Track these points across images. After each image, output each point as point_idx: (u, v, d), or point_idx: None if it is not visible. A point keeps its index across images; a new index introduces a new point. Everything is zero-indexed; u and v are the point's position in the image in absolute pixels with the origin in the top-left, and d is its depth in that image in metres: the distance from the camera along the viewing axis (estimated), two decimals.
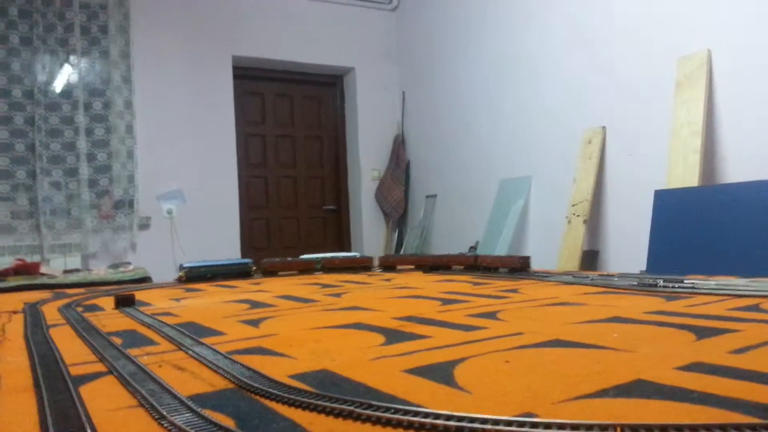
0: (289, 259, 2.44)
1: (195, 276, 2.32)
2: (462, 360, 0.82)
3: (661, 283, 1.45)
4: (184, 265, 2.35)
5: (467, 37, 4.65)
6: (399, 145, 5.38)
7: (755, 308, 1.13)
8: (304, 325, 1.18)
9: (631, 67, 3.32)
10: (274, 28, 5.02)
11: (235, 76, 4.89)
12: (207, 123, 4.70)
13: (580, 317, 1.12)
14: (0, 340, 1.09)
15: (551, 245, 3.66)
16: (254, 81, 5.16)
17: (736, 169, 2.83)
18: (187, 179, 4.58)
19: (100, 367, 0.86)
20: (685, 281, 1.46)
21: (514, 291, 1.55)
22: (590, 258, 3.45)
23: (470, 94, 4.62)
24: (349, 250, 5.47)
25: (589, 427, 0.50)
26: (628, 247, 3.26)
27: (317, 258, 2.44)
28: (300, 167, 5.39)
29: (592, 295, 1.40)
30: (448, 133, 4.89)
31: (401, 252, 5.21)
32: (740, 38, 2.80)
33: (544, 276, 1.82)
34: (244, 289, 1.93)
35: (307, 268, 2.37)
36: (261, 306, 1.49)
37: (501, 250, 3.99)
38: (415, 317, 1.19)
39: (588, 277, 1.71)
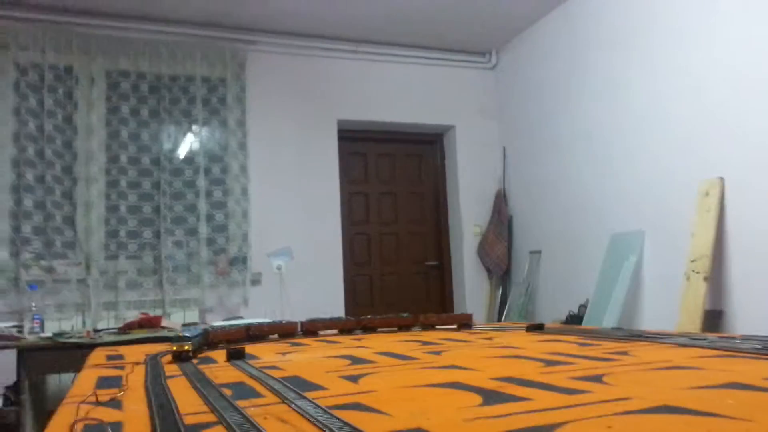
0: (328, 318, 2.46)
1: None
2: (562, 424, 0.79)
3: None
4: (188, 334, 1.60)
5: (567, 91, 4.61)
6: (501, 200, 5.34)
7: None
8: (402, 383, 1.18)
9: (747, 112, 3.13)
10: (377, 91, 5.24)
11: (340, 138, 5.13)
12: (313, 183, 4.93)
13: (693, 382, 1.05)
14: (124, 389, 1.19)
15: (669, 305, 3.43)
16: (357, 142, 5.38)
17: None
18: (295, 237, 4.79)
19: (211, 417, 0.91)
20: None
21: (624, 353, 1.47)
22: (713, 318, 3.19)
23: (572, 147, 4.54)
24: (451, 307, 5.42)
25: None
26: (757, 306, 2.99)
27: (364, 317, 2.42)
28: (401, 223, 5.48)
29: (708, 359, 1.30)
30: (550, 187, 4.80)
31: (506, 310, 5.08)
32: None
33: (657, 337, 1.72)
34: (345, 344, 1.97)
35: (345, 328, 2.39)
36: (361, 362, 1.51)
37: (614, 308, 3.79)
38: (515, 378, 1.16)
39: (706, 339, 1.59)
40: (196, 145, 4.71)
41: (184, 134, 4.73)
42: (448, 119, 5.46)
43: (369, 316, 2.44)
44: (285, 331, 2.29)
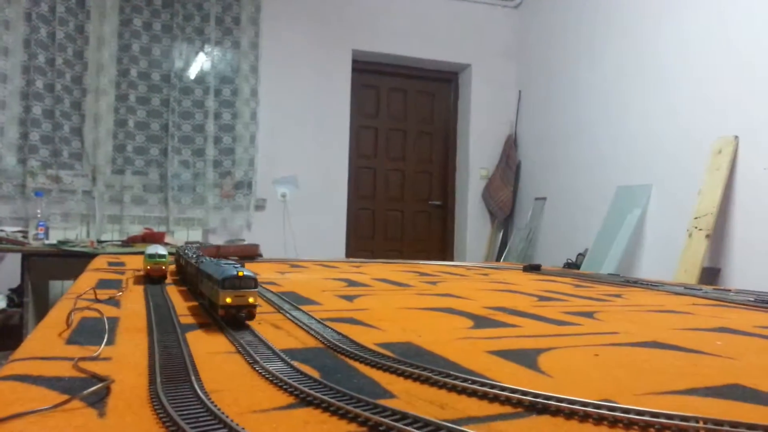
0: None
1: None
2: (549, 349, 0.81)
3: None
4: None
5: (591, 36, 4.48)
6: (510, 144, 5.29)
7: None
8: (397, 305, 1.20)
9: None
10: (395, 23, 5.10)
11: (354, 69, 5.03)
12: (324, 113, 4.87)
13: (683, 325, 1.06)
14: (123, 290, 1.21)
15: (668, 260, 3.45)
16: (371, 74, 5.28)
17: None
18: (301, 166, 4.78)
19: (206, 319, 0.93)
20: None
21: (618, 296, 1.49)
22: (710, 275, 3.21)
23: (589, 96, 4.45)
24: (452, 248, 5.47)
25: (670, 416, 0.48)
26: (755, 265, 3.00)
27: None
28: (409, 161, 5.45)
29: (701, 306, 1.31)
30: (562, 134, 4.74)
31: (505, 253, 5.12)
32: None
33: (653, 285, 1.73)
34: (344, 269, 2.00)
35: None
36: (358, 285, 1.54)
37: (612, 260, 3.81)
38: (507, 308, 1.18)
39: (701, 290, 1.61)
40: (207, 65, 4.64)
41: (196, 53, 4.65)
42: (466, 58, 5.33)
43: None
44: (248, 253, 2.32)
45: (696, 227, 3.28)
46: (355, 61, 5.04)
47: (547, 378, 0.65)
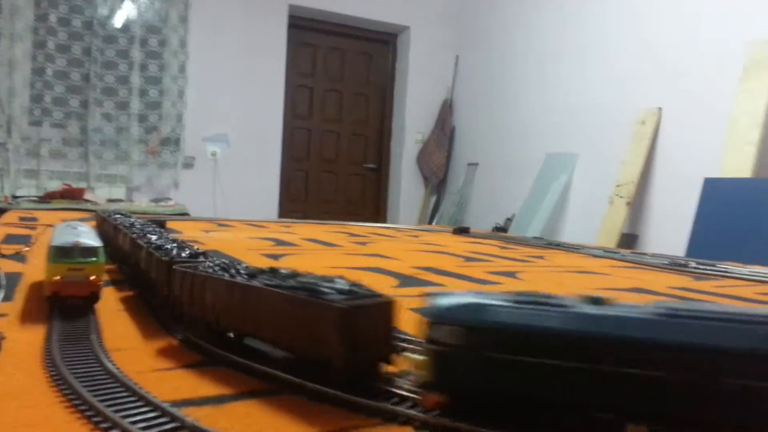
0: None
1: None
2: None
3: (693, 264, 1.40)
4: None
5: (530, 4, 4.51)
6: (446, 110, 5.31)
7: None
8: (323, 264, 1.19)
9: (695, 48, 3.17)
10: None
11: (290, 25, 4.88)
12: (258, 70, 4.71)
13: (599, 284, 1.10)
14: (30, 245, 1.14)
15: (590, 225, 3.59)
16: (308, 32, 5.13)
17: None
18: (233, 123, 4.63)
19: (119, 276, 0.89)
20: (718, 265, 1.41)
21: (540, 257, 1.53)
22: (629, 241, 3.36)
23: (524, 64, 4.50)
24: (385, 211, 5.48)
25: None
26: (670, 233, 3.16)
27: None
28: (345, 123, 5.38)
29: (618, 268, 1.37)
30: (497, 101, 4.79)
31: (436, 217, 5.19)
32: None
33: (574, 248, 1.79)
34: (273, 229, 1.96)
35: None
36: (286, 245, 1.51)
37: (537, 225, 3.93)
38: (434, 268, 1.19)
39: (619, 253, 1.67)
40: (133, 13, 4.37)
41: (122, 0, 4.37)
42: (405, 19, 5.26)
43: None
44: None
45: (617, 195, 3.41)
46: (291, 17, 4.87)
47: None
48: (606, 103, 3.72)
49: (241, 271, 0.54)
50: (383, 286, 0.96)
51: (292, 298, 0.45)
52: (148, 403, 0.38)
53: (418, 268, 1.18)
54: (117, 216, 1.18)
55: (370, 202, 5.52)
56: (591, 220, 3.59)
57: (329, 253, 1.38)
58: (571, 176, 3.94)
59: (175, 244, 0.73)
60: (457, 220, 4.85)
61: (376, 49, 5.48)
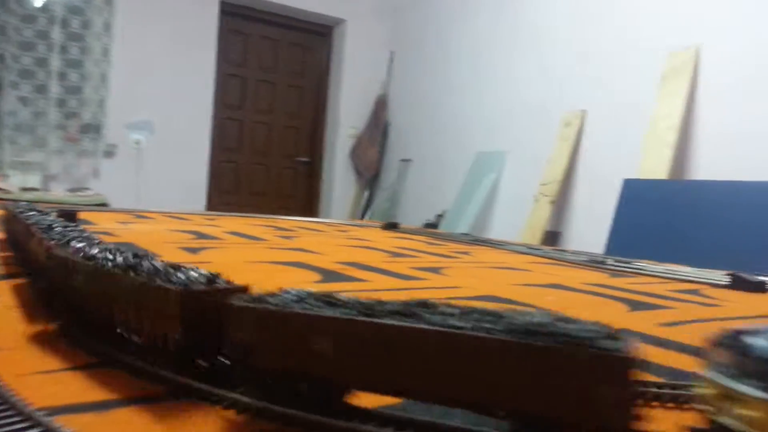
0: None
1: None
2: None
3: (611, 262, 1.45)
4: None
5: (464, 2, 4.56)
6: (381, 105, 5.31)
7: (694, 292, 1.13)
8: (244, 258, 1.15)
9: (621, 54, 3.29)
10: None
11: (222, 11, 4.74)
12: (186, 56, 4.55)
13: (520, 280, 1.11)
14: None
15: (516, 222, 3.67)
16: (240, 19, 5.00)
17: (707, 168, 2.86)
18: (159, 111, 4.45)
19: (13, 269, 0.82)
20: (633, 263, 1.46)
21: (465, 253, 1.54)
22: (552, 238, 3.47)
23: (458, 62, 4.56)
24: (317, 205, 5.43)
25: None
26: (591, 231, 3.28)
27: None
28: (277, 115, 5.28)
29: (539, 265, 1.40)
30: (430, 99, 4.83)
31: (369, 213, 5.19)
32: (731, 38, 2.79)
33: (498, 244, 1.82)
34: (196, 222, 1.89)
35: None
36: (207, 238, 1.45)
37: (466, 222, 3.99)
38: (359, 263, 1.17)
39: (541, 250, 1.71)
40: None
41: None
42: (341, 12, 5.21)
43: None
44: None
45: (542, 193, 3.51)
46: (224, 3, 4.73)
47: None
48: (535, 104, 3.82)
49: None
50: (304, 280, 0.93)
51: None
52: (18, 412, 0.34)
53: (343, 263, 1.16)
54: (18, 207, 1.10)
55: (302, 196, 5.46)
56: (517, 217, 3.68)
57: (252, 247, 1.34)
58: (500, 174, 4.02)
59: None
60: (390, 215, 4.86)
61: (312, 41, 5.41)
